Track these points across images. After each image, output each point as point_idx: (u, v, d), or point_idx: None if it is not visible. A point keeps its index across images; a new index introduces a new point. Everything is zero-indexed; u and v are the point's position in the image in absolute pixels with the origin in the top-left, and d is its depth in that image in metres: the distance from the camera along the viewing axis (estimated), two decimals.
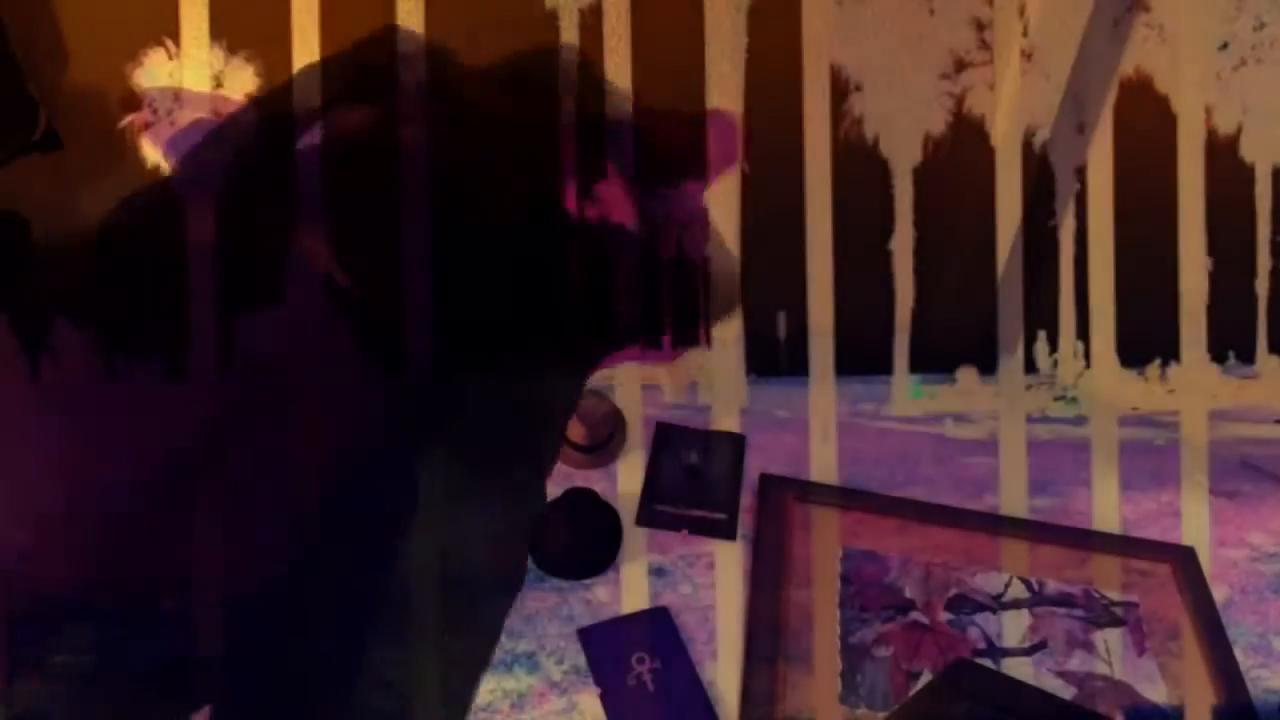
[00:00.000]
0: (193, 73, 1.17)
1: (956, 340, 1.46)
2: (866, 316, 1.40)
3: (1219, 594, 1.11)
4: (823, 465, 1.25)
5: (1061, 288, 1.42)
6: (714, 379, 1.40)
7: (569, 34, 1.21)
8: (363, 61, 1.13)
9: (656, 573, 1.10)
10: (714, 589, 1.08)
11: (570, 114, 1.20)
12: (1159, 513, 1.23)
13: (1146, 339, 1.43)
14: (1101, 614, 1.07)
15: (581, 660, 0.99)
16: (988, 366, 1.46)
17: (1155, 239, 1.37)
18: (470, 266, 1.19)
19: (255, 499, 0.83)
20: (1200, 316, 1.39)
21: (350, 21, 1.17)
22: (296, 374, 0.91)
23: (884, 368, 1.46)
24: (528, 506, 1.02)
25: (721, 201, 1.33)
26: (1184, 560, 1.14)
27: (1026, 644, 1.03)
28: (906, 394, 1.46)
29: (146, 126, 1.17)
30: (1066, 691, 0.98)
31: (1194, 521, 1.21)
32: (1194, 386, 1.42)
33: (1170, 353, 1.42)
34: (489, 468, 0.98)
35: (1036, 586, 1.09)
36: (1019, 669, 1.00)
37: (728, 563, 1.12)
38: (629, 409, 1.32)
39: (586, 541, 1.11)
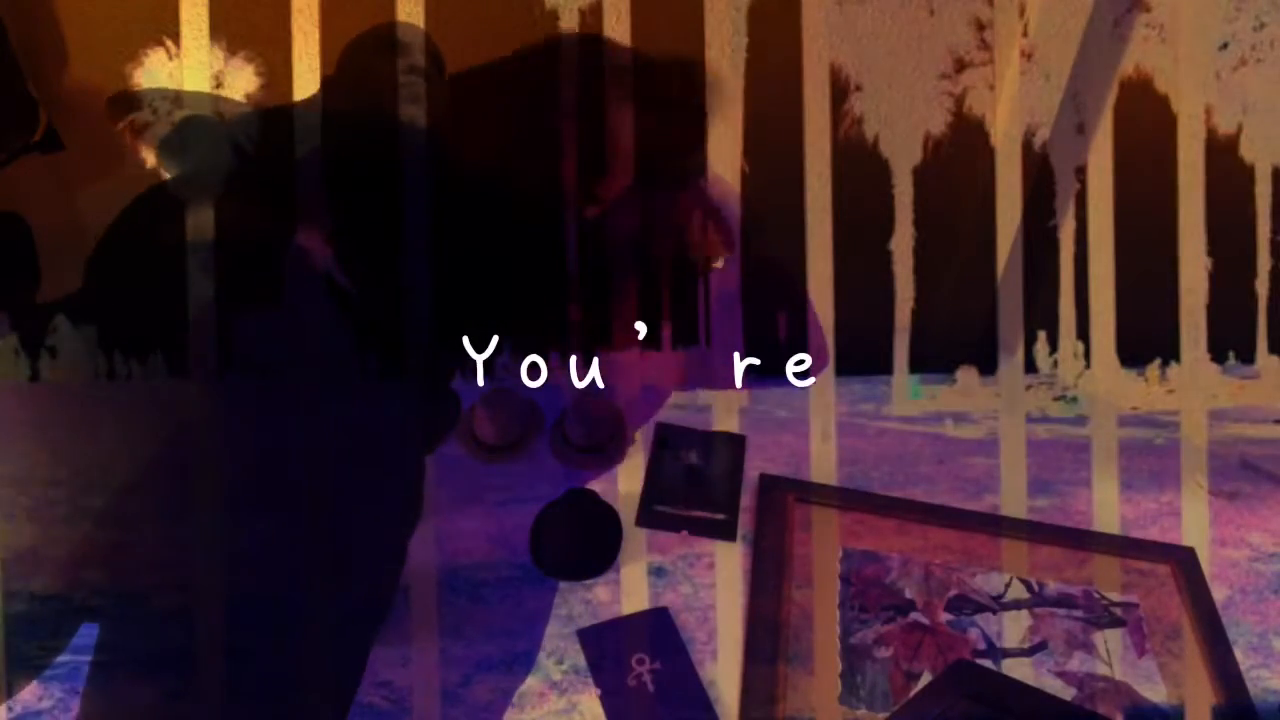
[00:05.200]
0: (193, 73, 1.17)
1: (956, 340, 1.46)
2: (866, 316, 1.40)
3: (1219, 594, 1.11)
4: (823, 465, 1.25)
5: (1061, 288, 1.42)
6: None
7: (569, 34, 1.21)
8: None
9: (656, 573, 1.10)
10: (714, 589, 1.08)
11: (571, 111, 1.20)
12: (1159, 513, 1.23)
13: (1146, 339, 1.43)
14: (1101, 614, 1.07)
15: (581, 660, 0.99)
16: (988, 366, 1.46)
17: (1155, 239, 1.37)
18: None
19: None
20: (1200, 316, 1.39)
21: (351, 22, 1.17)
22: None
23: (884, 368, 1.46)
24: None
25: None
26: (1184, 560, 1.14)
27: (1026, 644, 1.03)
28: (906, 394, 1.46)
29: (147, 126, 1.17)
30: (1066, 692, 0.98)
31: (1194, 521, 1.21)
32: (1194, 386, 1.42)
33: (1170, 353, 1.42)
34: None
35: (1036, 587, 1.09)
36: (1019, 670, 1.00)
37: (728, 563, 1.12)
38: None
39: (586, 541, 1.11)
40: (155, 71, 1.18)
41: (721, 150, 1.29)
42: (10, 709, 0.78)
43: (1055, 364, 1.46)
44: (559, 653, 1.00)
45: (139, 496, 0.80)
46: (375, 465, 0.97)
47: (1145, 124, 1.32)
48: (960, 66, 1.30)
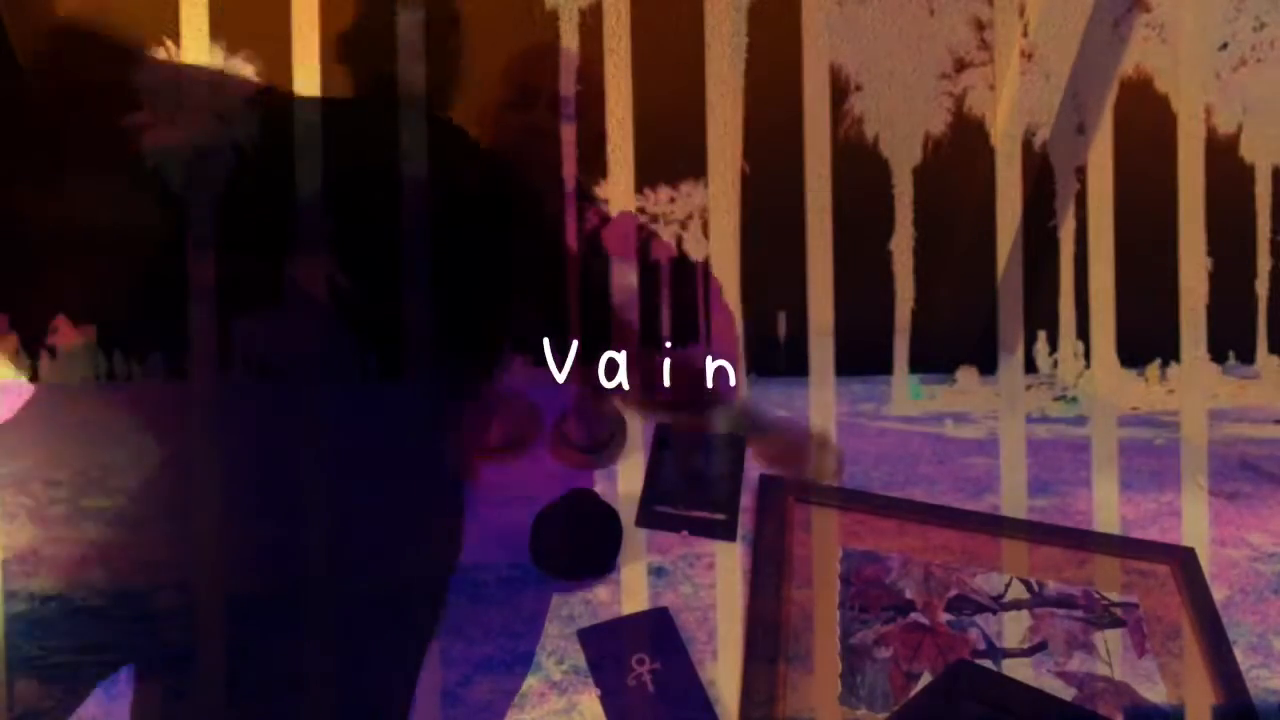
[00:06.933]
0: None
1: (956, 340, 1.46)
2: (866, 316, 1.40)
3: (1219, 594, 1.11)
4: None
5: (1061, 288, 1.42)
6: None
7: (569, 34, 1.21)
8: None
9: (656, 573, 1.10)
10: (714, 589, 1.08)
11: (570, 116, 1.20)
12: (1159, 513, 1.23)
13: (1146, 339, 1.44)
14: (1101, 615, 1.07)
15: (581, 660, 0.99)
16: (988, 366, 1.46)
17: (1155, 239, 1.37)
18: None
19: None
20: (1200, 316, 1.39)
21: (350, 21, 1.17)
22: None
23: (884, 368, 1.46)
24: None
25: (722, 202, 1.33)
26: (1184, 560, 1.14)
27: (1026, 645, 1.03)
28: (906, 394, 1.46)
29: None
30: (1066, 692, 0.98)
31: (1194, 521, 1.21)
32: (1194, 386, 1.42)
33: (1170, 353, 1.43)
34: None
35: (1036, 587, 1.09)
36: (1019, 670, 1.00)
37: (728, 563, 1.12)
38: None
39: (587, 542, 1.11)
40: None
41: (722, 150, 1.30)
42: (10, 709, 0.78)
43: (1055, 364, 1.46)
44: (559, 653, 1.00)
45: (139, 496, 0.80)
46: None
47: (1145, 124, 1.33)
48: (960, 66, 1.30)
